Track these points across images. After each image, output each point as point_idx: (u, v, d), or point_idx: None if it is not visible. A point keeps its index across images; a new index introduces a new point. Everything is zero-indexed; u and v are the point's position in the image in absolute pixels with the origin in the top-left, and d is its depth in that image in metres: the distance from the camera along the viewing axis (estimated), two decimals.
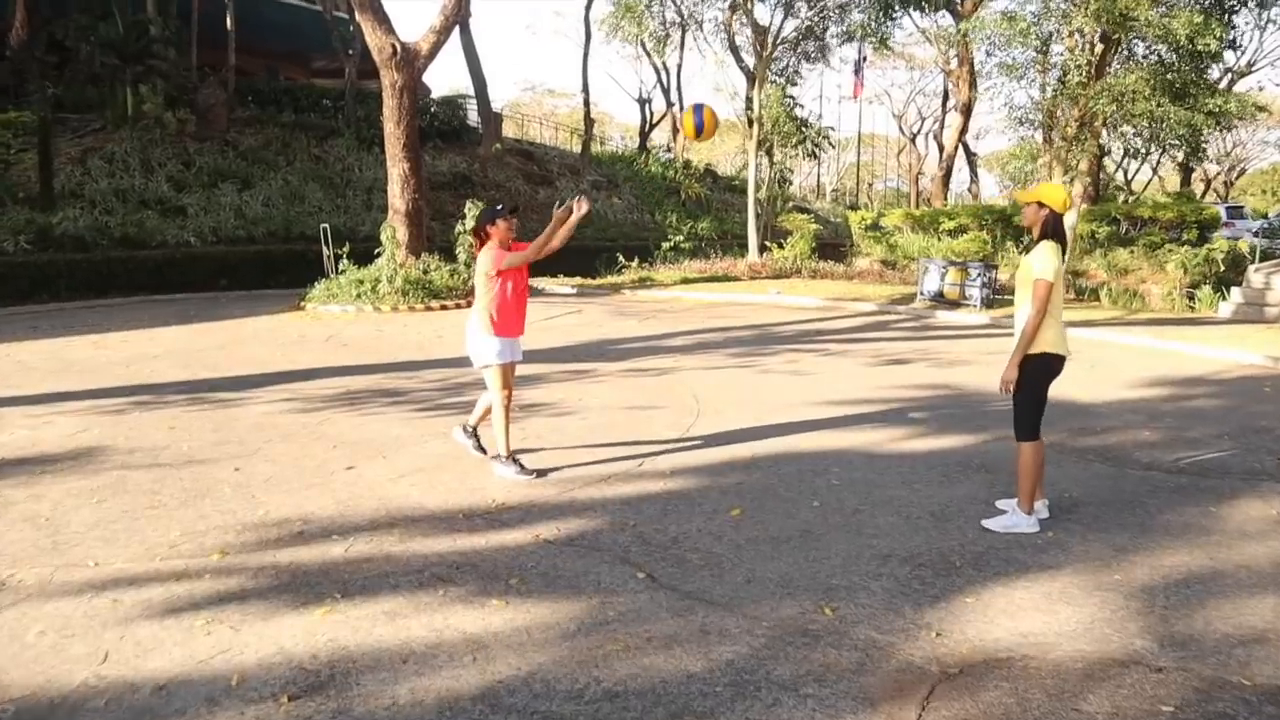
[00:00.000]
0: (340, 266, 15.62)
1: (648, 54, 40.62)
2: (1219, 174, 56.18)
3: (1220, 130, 19.46)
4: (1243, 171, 59.53)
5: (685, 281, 20.25)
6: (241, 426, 7.12)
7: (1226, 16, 16.74)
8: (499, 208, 5.96)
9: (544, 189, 30.42)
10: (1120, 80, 16.37)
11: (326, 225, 17.08)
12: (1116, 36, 16.79)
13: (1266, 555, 4.89)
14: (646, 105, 46.79)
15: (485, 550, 4.67)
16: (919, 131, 57.10)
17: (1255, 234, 23.41)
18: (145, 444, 6.58)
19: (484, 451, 6.23)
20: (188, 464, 6.08)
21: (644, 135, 45.86)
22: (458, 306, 15.23)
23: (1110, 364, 11.17)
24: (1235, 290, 16.59)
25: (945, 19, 35.41)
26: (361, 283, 14.99)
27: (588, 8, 35.63)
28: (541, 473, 5.93)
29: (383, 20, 15.75)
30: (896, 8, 23.11)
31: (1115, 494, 5.90)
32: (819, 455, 6.62)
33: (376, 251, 15.58)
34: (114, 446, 6.51)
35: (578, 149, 40.03)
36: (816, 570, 4.52)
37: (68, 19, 21.69)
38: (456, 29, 19.58)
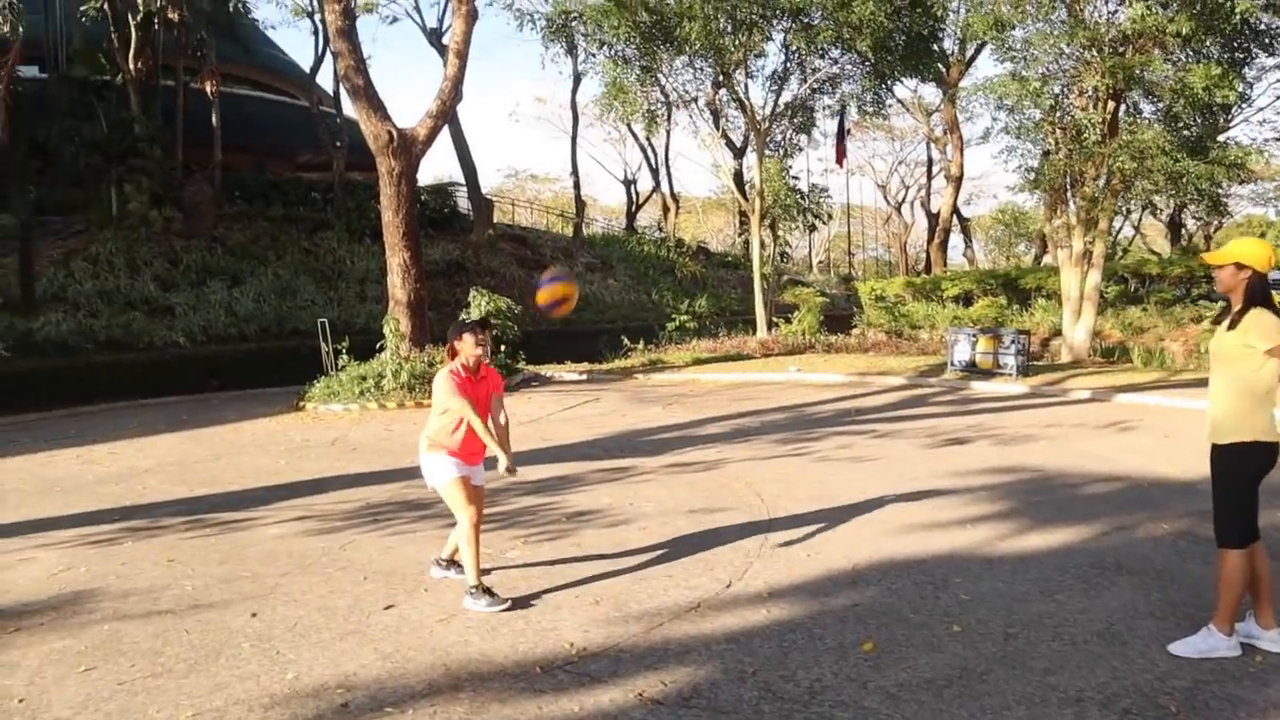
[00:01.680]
0: (340, 362, 14.74)
1: (634, 135, 40.68)
2: (1199, 229, 56.49)
3: (1239, 183, 19.06)
4: (1220, 225, 59.96)
5: (698, 362, 19.47)
6: (252, 556, 6.13)
7: (1239, 69, 16.41)
8: (466, 321, 5.44)
9: (539, 273, 29.81)
10: (1138, 136, 15.94)
11: (324, 320, 16.25)
12: (1125, 93, 16.44)
13: None
14: (632, 185, 46.74)
15: None
16: (903, 200, 57.29)
17: (1272, 285, 22.89)
18: (141, 584, 5.58)
19: (457, 565, 5.36)
20: (194, 610, 5.08)
21: (631, 215, 45.70)
22: None
23: (1183, 432, 10.34)
24: None
25: (924, 89, 35.74)
26: (364, 379, 14.09)
27: (574, 93, 35.66)
28: (519, 602, 5.04)
29: (378, 108, 15.21)
30: (891, 77, 22.91)
31: None
32: (928, 562, 5.70)
33: (379, 345, 14.73)
34: (104, 589, 5.51)
35: (565, 231, 39.71)
36: None
37: (50, 121, 21.14)
38: None
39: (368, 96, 15.22)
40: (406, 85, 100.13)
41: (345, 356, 14.72)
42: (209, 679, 4.15)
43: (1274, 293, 4.22)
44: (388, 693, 3.96)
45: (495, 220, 32.66)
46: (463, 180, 29.74)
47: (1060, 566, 5.58)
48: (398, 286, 15.49)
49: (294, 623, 4.84)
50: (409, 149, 15.43)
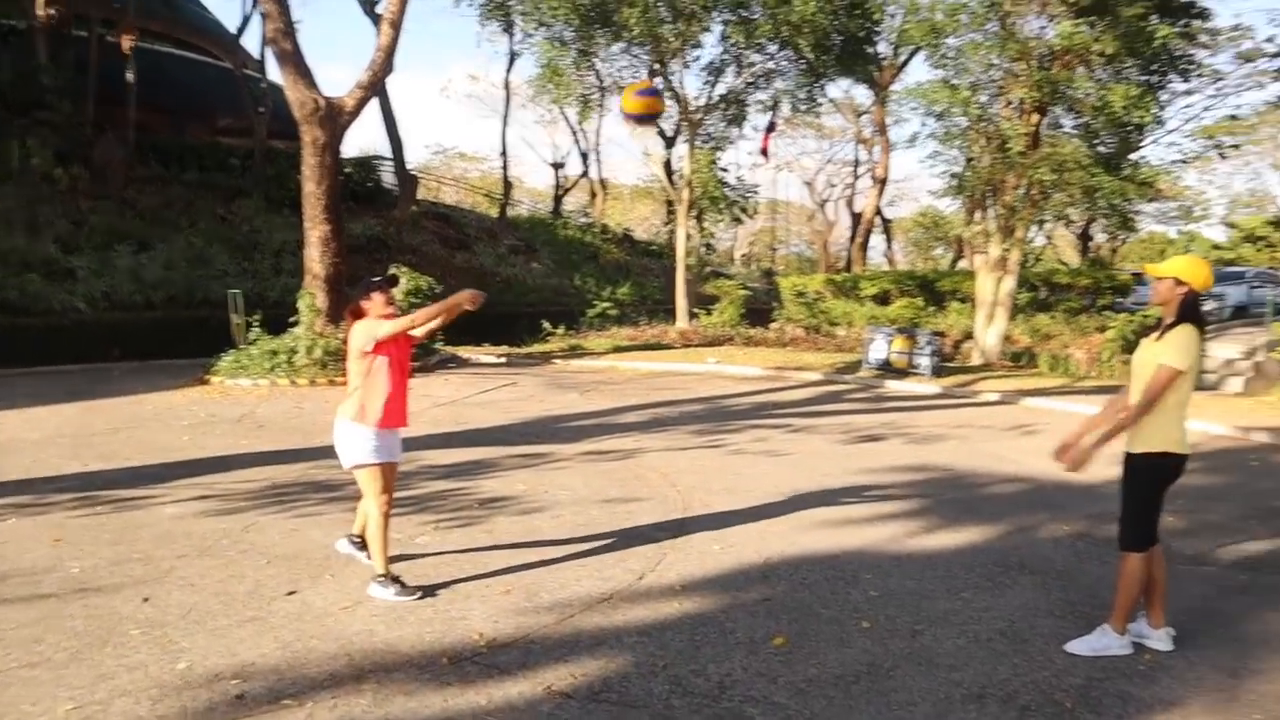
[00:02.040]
0: (252, 335, 14.26)
1: (566, 118, 40.32)
2: (1105, 243, 58.62)
3: (1147, 200, 19.76)
4: (1125, 240, 62.33)
5: (618, 350, 19.40)
6: (147, 536, 5.86)
7: (1156, 91, 16.97)
8: (375, 279, 5.06)
9: (461, 253, 29.35)
10: (1059, 149, 16.38)
11: (237, 291, 15.69)
12: (1049, 107, 16.87)
13: None
14: (561, 169, 46.37)
15: (488, 714, 3.62)
16: (828, 198, 58.04)
17: None
18: (22, 565, 5.28)
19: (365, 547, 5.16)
20: (80, 594, 4.83)
21: (558, 199, 45.34)
22: None
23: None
24: None
25: (856, 90, 36.22)
26: (276, 353, 13.63)
27: (508, 72, 35.19)
28: (428, 591, 4.89)
29: (305, 74, 14.69)
30: (827, 76, 23.13)
31: (1182, 598, 5.16)
32: (840, 558, 5.75)
33: (291, 320, 14.27)
34: None
35: (491, 212, 39.20)
36: None
37: None
38: None
39: (295, 62, 14.70)
40: (336, 54, 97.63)
41: (257, 330, 14.24)
42: (92, 669, 3.94)
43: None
44: (287, 683, 3.82)
45: (420, 197, 32.04)
46: (389, 154, 29.05)
47: (967, 565, 5.69)
48: (316, 260, 15.04)
49: (189, 609, 4.63)
50: (335, 119, 14.96)
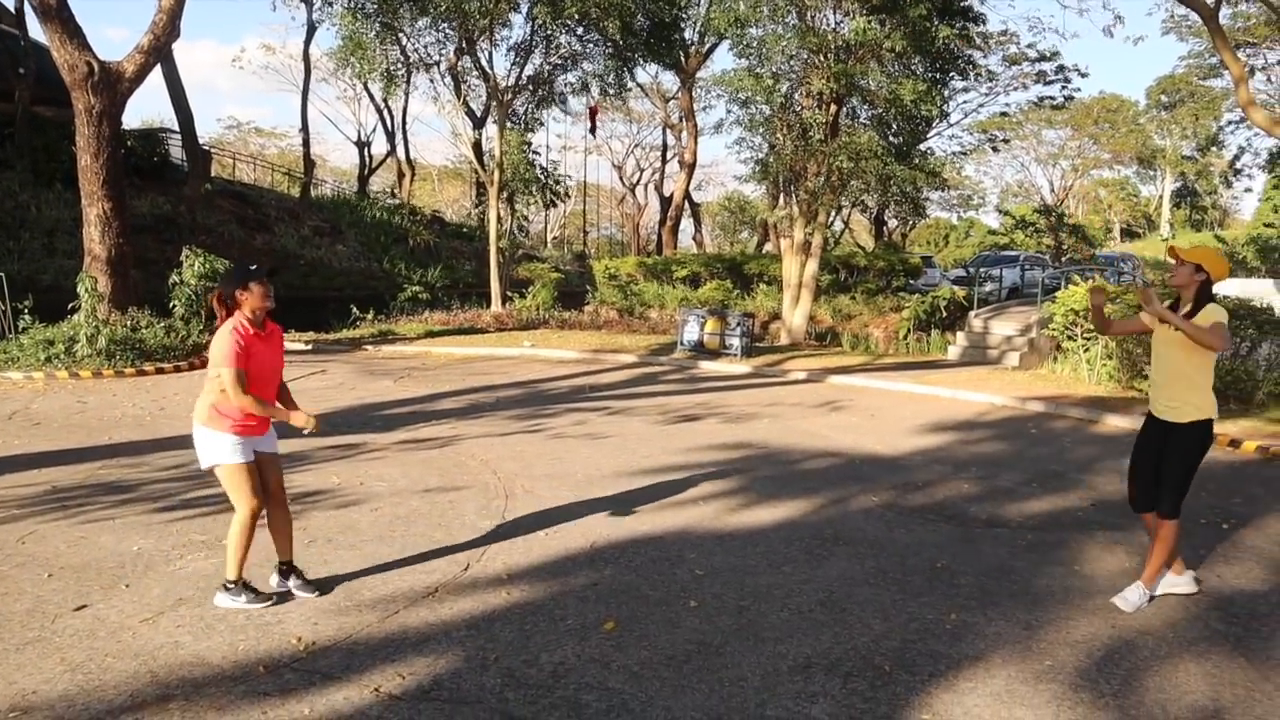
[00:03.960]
0: (21, 323, 12.94)
1: (370, 95, 38.92)
2: (897, 228, 62.53)
3: (934, 189, 21.14)
4: (914, 225, 66.75)
5: (430, 334, 18.94)
6: None
7: (940, 87, 18.14)
8: (253, 267, 4.55)
9: (261, 234, 27.82)
10: (856, 139, 17.24)
11: (1, 274, 14.19)
12: (846, 98, 17.72)
13: (1150, 613, 4.82)
14: (366, 148, 44.73)
15: None
16: (638, 182, 58.81)
17: (953, 281, 25.71)
18: None
19: (303, 578, 4.77)
20: None
21: (364, 179, 43.76)
22: (176, 370, 13.09)
23: (887, 411, 11.33)
24: (960, 334, 17.84)
25: (664, 76, 36.79)
26: (52, 343, 12.44)
27: (307, 44, 33.52)
28: (282, 598, 4.61)
29: (74, 34, 13.41)
30: (634, 60, 23.34)
31: (979, 559, 5.58)
32: (664, 538, 5.83)
33: (71, 306, 13.05)
34: None
35: (292, 191, 37.38)
36: (742, 699, 3.70)
37: None
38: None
39: (62, 19, 13.37)
40: (114, 15, 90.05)
41: (28, 317, 12.95)
42: None
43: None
44: (78, 710, 3.47)
45: (214, 174, 30.10)
46: (176, 127, 27.04)
47: (786, 539, 5.89)
48: (96, 240, 13.82)
49: None
50: (113, 85, 13.76)
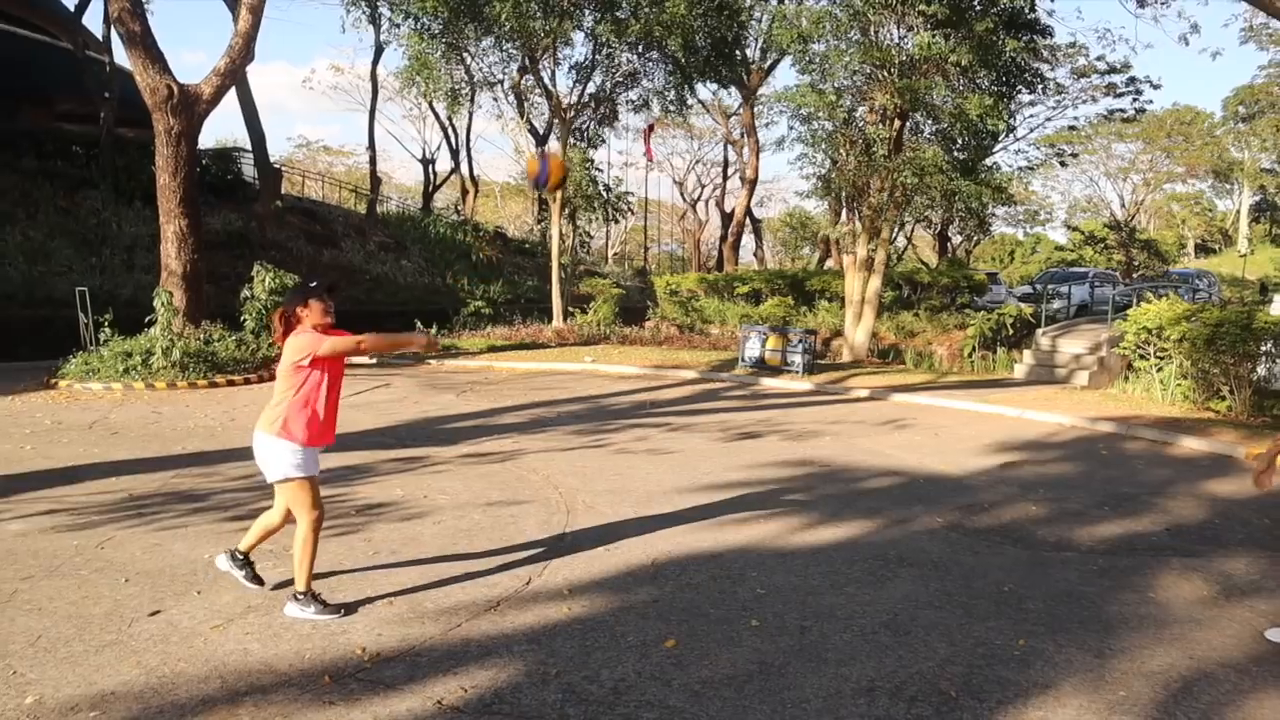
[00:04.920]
0: (102, 336, 13.39)
1: (435, 113, 39.62)
2: (961, 244, 61.67)
3: (1000, 204, 20.78)
4: (979, 241, 65.73)
5: (493, 349, 19.14)
6: None
7: (1006, 101, 17.86)
8: (313, 284, 4.65)
9: (329, 249, 28.44)
10: (920, 154, 17.05)
11: (84, 288, 14.69)
12: (910, 113, 17.54)
13: (1232, 645, 4.67)
14: (431, 165, 45.49)
15: None
16: (699, 198, 58.88)
17: (1020, 299, 25.23)
18: None
19: (260, 583, 4.89)
20: None
21: (428, 195, 44.49)
22: (246, 382, 13.42)
23: (951, 430, 11.14)
24: (1027, 353, 17.48)
25: (724, 92, 36.79)
26: (130, 355, 12.84)
27: (374, 64, 34.26)
28: (349, 608, 4.66)
29: (156, 59, 13.91)
30: (695, 77, 23.41)
31: (1048, 583, 5.45)
32: (726, 556, 5.79)
33: (148, 320, 13.47)
34: None
35: (359, 208, 38.16)
36: None
37: None
38: None
39: (145, 45, 13.89)
40: (192, 40, 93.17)
41: (108, 330, 13.39)
42: None
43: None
44: (152, 712, 3.56)
45: (284, 192, 30.86)
46: (249, 146, 27.83)
47: (848, 559, 5.82)
48: (172, 256, 14.27)
49: (37, 635, 4.27)
50: (191, 107, 14.22)
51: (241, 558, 4.91)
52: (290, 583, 4.69)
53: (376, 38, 32.23)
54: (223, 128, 75.99)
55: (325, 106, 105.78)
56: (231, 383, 13.22)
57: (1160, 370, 13.41)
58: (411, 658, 4.13)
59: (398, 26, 22.16)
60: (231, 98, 22.64)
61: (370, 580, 5.12)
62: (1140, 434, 11.10)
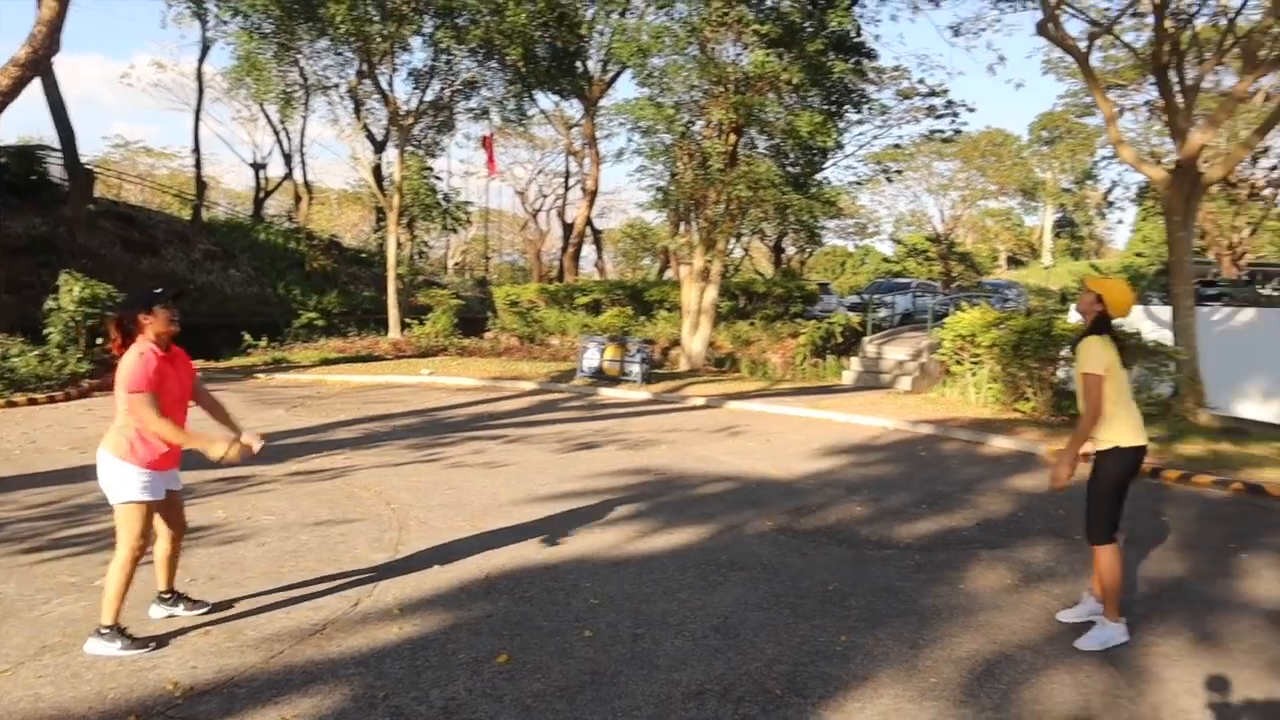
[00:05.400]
0: None
1: (266, 116, 38.02)
2: (795, 255, 64.07)
3: (830, 217, 21.68)
4: (812, 253, 68.48)
5: (326, 362, 18.53)
6: None
7: (835, 119, 18.67)
8: (158, 290, 4.36)
9: (148, 257, 26.75)
10: (754, 168, 17.60)
11: None
12: (745, 128, 18.09)
13: (1030, 628, 5.03)
14: (262, 170, 43.55)
15: None
16: (541, 208, 58.77)
17: (849, 308, 26.38)
18: None
19: (189, 599, 4.81)
20: None
21: (259, 202, 42.57)
22: (51, 400, 12.47)
23: (783, 436, 11.53)
24: (855, 360, 18.30)
25: (566, 103, 36.91)
26: None
27: (200, 62, 32.61)
28: (160, 641, 4.40)
29: None
30: (536, 87, 23.42)
31: (869, 580, 5.71)
32: (560, 568, 5.80)
33: None
34: None
35: (183, 214, 36.14)
36: None
37: None
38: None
39: None
40: None
41: None
42: None
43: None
44: None
45: (98, 194, 28.86)
46: (57, 144, 25.86)
47: (681, 565, 5.93)
48: None
49: None
50: None
51: (171, 594, 4.74)
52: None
53: (203, 34, 30.64)
54: (27, 123, 70.41)
55: (146, 104, 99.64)
56: (33, 401, 12.25)
57: (974, 375, 14.31)
58: (229, 689, 3.94)
59: (225, 23, 21.17)
60: (36, 90, 21.03)
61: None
62: (955, 435, 11.80)
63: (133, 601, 4.58)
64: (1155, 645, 4.80)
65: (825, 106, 18.28)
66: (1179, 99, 13.81)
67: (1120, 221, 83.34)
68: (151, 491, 4.31)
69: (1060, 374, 13.12)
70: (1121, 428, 4.78)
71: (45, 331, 13.83)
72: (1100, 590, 4.91)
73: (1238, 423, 13.47)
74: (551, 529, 6.73)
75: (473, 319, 27.76)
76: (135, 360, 4.19)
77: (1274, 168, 33.20)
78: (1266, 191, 33.79)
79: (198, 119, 33.12)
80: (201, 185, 34.57)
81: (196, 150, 33.54)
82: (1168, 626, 5.07)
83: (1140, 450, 4.82)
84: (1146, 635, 4.93)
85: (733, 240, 21.19)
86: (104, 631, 4.27)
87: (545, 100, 32.76)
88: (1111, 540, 4.81)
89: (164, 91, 68.57)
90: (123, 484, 4.27)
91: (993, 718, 3.93)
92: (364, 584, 5.37)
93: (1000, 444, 11.20)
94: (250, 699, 3.85)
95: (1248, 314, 17.43)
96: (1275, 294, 24.51)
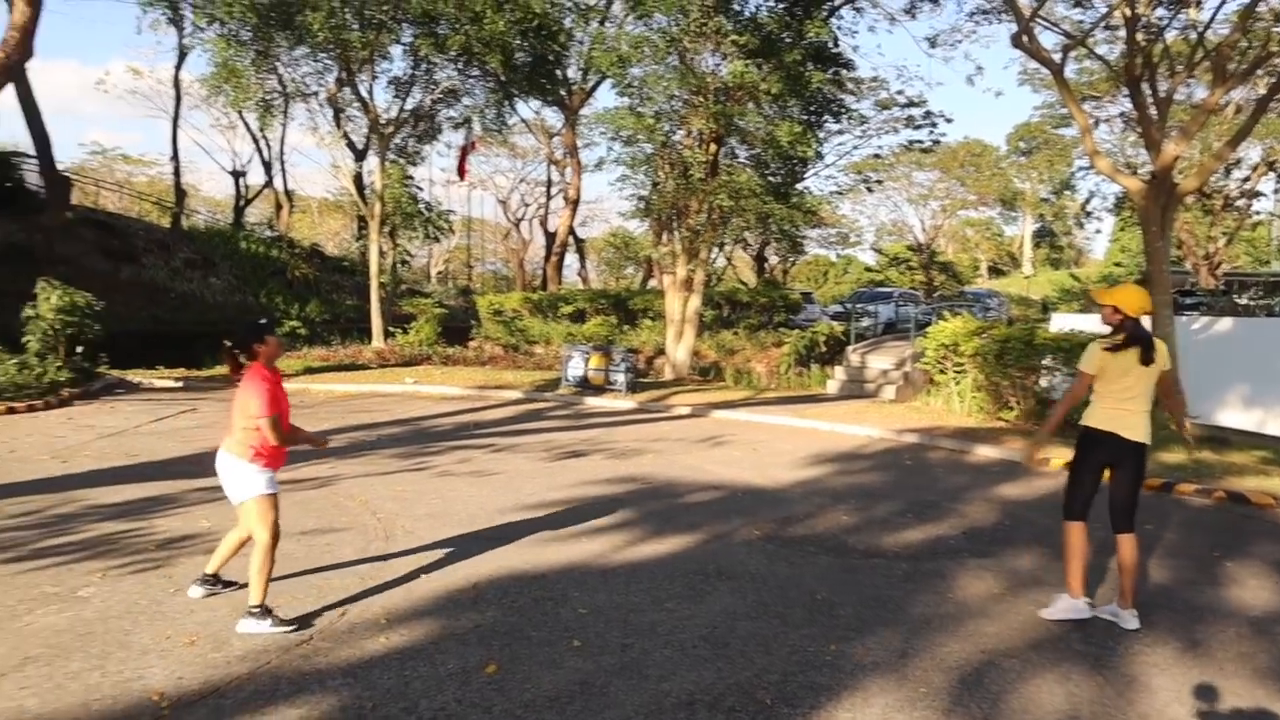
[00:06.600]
0: None
1: (245, 124, 37.85)
2: (777, 264, 64.30)
3: (811, 226, 21.80)
4: (794, 262, 68.74)
5: (310, 371, 18.43)
6: None
7: (815, 129, 18.77)
8: (263, 321, 5.05)
9: (128, 266, 26.56)
10: (735, 177, 17.67)
11: None
12: (725, 138, 18.16)
13: (1016, 636, 5.05)
14: (242, 178, 43.35)
15: None
16: (523, 217, 58.70)
17: (832, 317, 26.47)
18: None
19: (223, 581, 5.30)
20: None
21: (240, 210, 42.36)
22: (30, 409, 12.33)
23: (768, 445, 11.54)
24: (839, 369, 18.36)
25: (547, 111, 36.94)
26: None
27: (177, 69, 32.43)
28: (303, 623, 4.85)
29: None
30: (517, 95, 23.42)
31: (858, 589, 5.72)
32: (548, 577, 5.78)
33: None
34: None
35: (162, 221, 35.89)
36: None
37: None
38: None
39: None
40: None
41: None
42: None
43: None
44: None
45: (75, 202, 28.59)
46: (33, 151, 25.62)
47: (669, 575, 5.92)
48: None
49: None
50: None
51: (213, 579, 5.24)
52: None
53: (179, 41, 30.50)
54: (1, 130, 69.63)
55: (123, 111, 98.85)
56: (12, 410, 12.11)
57: (958, 383, 14.38)
58: (215, 700, 3.90)
59: (201, 30, 21.02)
60: (10, 97, 20.84)
61: (170, 619, 4.80)
62: (941, 444, 11.86)
63: (123, 611, 4.53)
64: (1143, 653, 4.83)
65: (805, 116, 18.38)
66: (1152, 111, 13.96)
67: (1099, 231, 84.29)
68: (273, 485, 4.90)
69: (1043, 382, 13.20)
70: (1093, 412, 5.24)
71: (24, 340, 13.69)
72: (1065, 564, 5.29)
73: (1218, 431, 13.59)
74: (539, 538, 6.71)
75: (457, 328, 27.67)
76: (259, 387, 4.75)
77: (1246, 179, 33.69)
78: (1240, 202, 34.27)
79: (176, 126, 32.98)
80: (181, 193, 34.37)
81: (175, 158, 33.39)
82: (1155, 634, 5.10)
83: (1108, 436, 5.15)
84: (1134, 643, 4.96)
85: (715, 249, 21.27)
86: (254, 611, 4.71)
87: (526, 109, 32.84)
88: (1077, 519, 5.24)
89: (141, 98, 67.97)
90: (251, 482, 4.82)
91: None
92: (350, 594, 5.33)
93: (985, 452, 11.25)
94: (237, 710, 3.81)
95: (1226, 323, 17.62)
96: (1252, 303, 24.78)
